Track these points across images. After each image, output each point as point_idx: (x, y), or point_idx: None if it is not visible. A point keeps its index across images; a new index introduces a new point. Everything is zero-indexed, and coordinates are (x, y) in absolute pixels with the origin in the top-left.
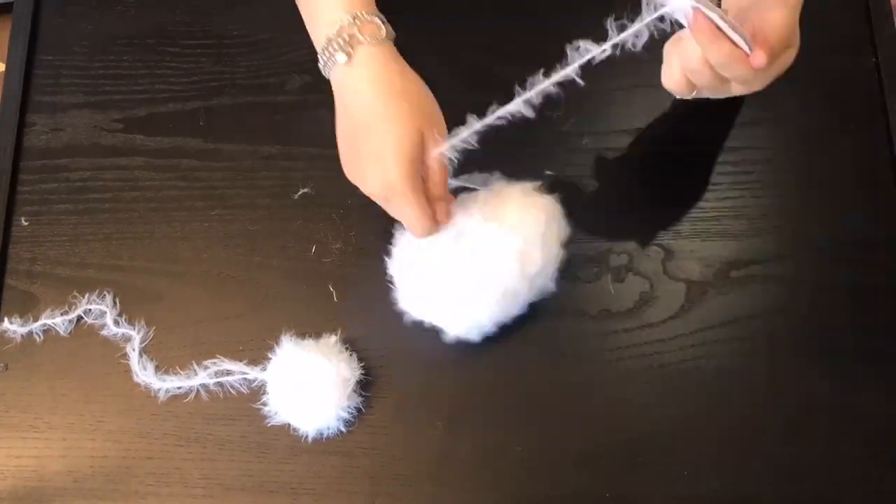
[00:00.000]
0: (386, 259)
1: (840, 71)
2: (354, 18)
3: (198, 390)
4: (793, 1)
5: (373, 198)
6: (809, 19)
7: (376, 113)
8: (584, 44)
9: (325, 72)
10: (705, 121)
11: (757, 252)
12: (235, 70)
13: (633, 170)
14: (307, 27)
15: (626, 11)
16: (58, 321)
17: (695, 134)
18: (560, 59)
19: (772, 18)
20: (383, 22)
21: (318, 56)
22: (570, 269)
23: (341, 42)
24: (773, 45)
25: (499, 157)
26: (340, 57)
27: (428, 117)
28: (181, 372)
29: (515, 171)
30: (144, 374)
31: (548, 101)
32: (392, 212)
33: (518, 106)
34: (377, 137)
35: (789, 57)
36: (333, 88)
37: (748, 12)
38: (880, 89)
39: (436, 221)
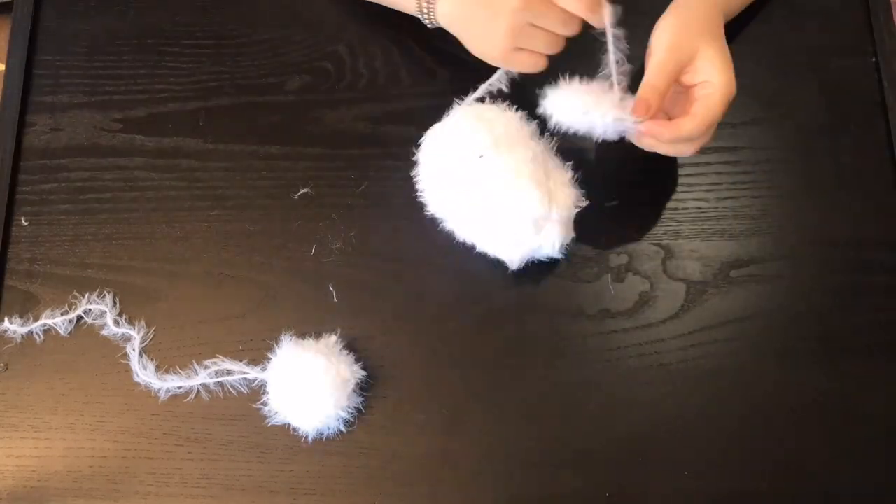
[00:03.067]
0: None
1: (840, 71)
2: None
3: (198, 390)
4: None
5: (513, 32)
6: (810, 19)
7: None
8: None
9: (430, 18)
10: None
11: (757, 252)
12: (235, 70)
13: (632, 170)
14: (393, 6)
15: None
16: (58, 321)
17: None
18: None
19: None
20: None
21: (419, 14)
22: (571, 269)
23: None
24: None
25: None
26: None
27: None
28: (181, 372)
29: None
30: (144, 374)
31: None
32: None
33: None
34: None
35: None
36: (444, 22)
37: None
38: (880, 89)
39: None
